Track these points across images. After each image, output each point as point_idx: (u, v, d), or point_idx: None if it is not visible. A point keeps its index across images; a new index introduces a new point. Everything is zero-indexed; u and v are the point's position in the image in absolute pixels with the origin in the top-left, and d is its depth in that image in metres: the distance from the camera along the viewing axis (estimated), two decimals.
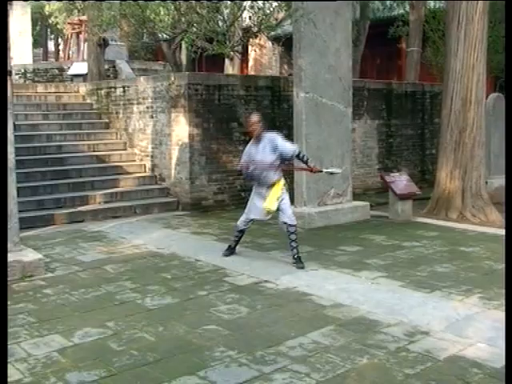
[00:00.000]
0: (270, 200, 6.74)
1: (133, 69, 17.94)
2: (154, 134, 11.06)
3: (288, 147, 6.82)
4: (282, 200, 6.78)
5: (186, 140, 10.23)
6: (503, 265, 6.73)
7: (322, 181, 9.23)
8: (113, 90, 12.22)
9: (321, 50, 9.28)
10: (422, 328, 4.82)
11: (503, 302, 5.43)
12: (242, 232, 7.18)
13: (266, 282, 6.13)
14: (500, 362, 4.17)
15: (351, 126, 10.21)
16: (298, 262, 6.68)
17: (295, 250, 6.75)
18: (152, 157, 11.17)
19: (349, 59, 9.78)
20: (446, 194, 10.04)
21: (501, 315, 5.11)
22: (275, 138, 6.78)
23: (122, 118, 11.91)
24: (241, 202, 10.71)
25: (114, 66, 17.86)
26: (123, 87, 11.92)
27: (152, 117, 11.09)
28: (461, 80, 10.07)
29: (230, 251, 7.21)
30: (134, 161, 11.51)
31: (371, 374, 4.04)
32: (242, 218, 7.10)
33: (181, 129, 10.35)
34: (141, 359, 4.26)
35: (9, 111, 6.04)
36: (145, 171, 11.29)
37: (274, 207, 6.76)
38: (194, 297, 5.67)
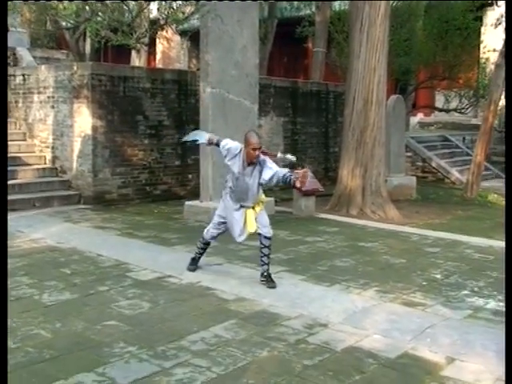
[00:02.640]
0: (250, 222, 5.84)
1: (34, 57, 17.14)
2: (55, 125, 10.67)
3: (267, 173, 5.71)
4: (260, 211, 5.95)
5: (89, 132, 9.95)
6: (400, 259, 7.04)
7: (224, 176, 9.25)
8: (12, 78, 11.67)
9: (228, 46, 9.29)
10: (321, 320, 4.94)
11: (398, 294, 5.68)
12: (208, 244, 6.30)
13: (169, 276, 6.07)
14: (394, 352, 4.35)
15: (258, 122, 10.31)
16: (269, 281, 5.84)
17: (266, 267, 5.90)
18: (53, 148, 10.77)
19: (256, 56, 9.85)
20: (347, 191, 10.36)
21: (396, 307, 5.34)
22: (266, 160, 5.78)
23: (22, 108, 11.41)
24: (146, 196, 10.60)
25: (15, 54, 17.03)
26: (23, 75, 11.41)
27: (53, 107, 10.69)
28: (363, 81, 10.39)
29: (195, 265, 6.33)
30: (34, 152, 11.05)
31: (271, 365, 4.09)
32: (212, 231, 6.11)
33: (83, 120, 10.05)
34: (37, 356, 4.10)
35: None
36: (45, 163, 10.87)
37: (253, 228, 5.86)
38: (94, 292, 5.53)
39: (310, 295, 5.59)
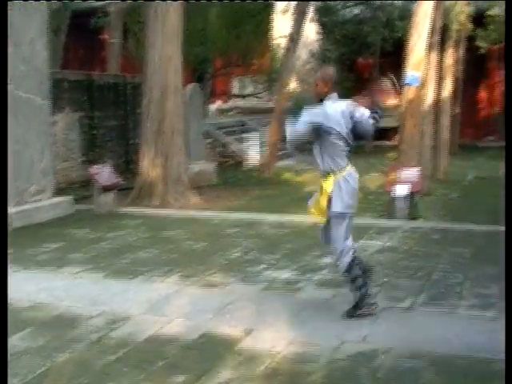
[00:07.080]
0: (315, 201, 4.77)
1: None
2: None
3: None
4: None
5: None
6: (202, 243, 7.22)
7: (22, 178, 8.81)
8: None
9: (15, 39, 8.78)
10: (123, 314, 4.91)
11: (201, 277, 5.84)
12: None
13: None
14: (195, 333, 4.47)
15: (51, 119, 9.92)
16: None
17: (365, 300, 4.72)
18: None
19: (45, 50, 9.43)
20: (148, 182, 10.34)
21: (198, 290, 5.49)
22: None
23: None
24: None
25: None
26: None
27: None
28: (159, 70, 10.43)
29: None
30: None
31: (71, 368, 4.00)
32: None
33: None
34: None
35: None
36: None
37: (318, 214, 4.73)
38: None
39: (112, 290, 5.55)
